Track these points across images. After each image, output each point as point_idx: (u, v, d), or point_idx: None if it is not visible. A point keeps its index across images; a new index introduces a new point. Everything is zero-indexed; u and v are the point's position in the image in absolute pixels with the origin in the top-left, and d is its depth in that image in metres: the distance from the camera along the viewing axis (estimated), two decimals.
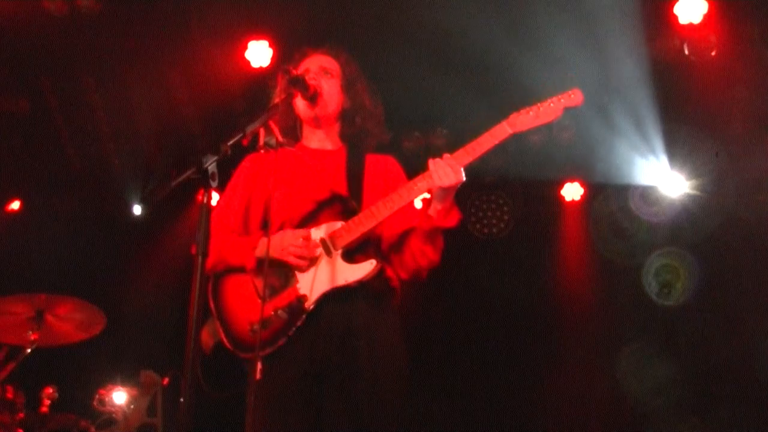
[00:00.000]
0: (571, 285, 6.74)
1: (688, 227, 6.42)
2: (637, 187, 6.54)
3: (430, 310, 6.75)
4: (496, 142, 2.78)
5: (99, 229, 7.39)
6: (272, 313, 2.76)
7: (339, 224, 2.84)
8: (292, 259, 2.78)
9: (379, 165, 3.11)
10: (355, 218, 2.82)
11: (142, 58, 6.30)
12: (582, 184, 6.92)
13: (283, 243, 2.79)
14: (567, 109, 2.76)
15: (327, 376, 2.76)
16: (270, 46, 6.07)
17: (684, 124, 6.13)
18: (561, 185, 6.97)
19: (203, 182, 2.30)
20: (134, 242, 7.36)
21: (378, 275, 2.80)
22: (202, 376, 2.19)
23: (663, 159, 6.34)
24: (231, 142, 2.45)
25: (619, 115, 6.09)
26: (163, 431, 5.07)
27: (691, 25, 5.45)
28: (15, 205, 7.26)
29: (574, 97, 2.76)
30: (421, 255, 2.86)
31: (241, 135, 2.55)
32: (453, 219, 2.81)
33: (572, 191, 6.95)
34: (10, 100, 6.71)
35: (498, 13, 5.48)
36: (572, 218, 7.03)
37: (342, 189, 2.96)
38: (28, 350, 4.53)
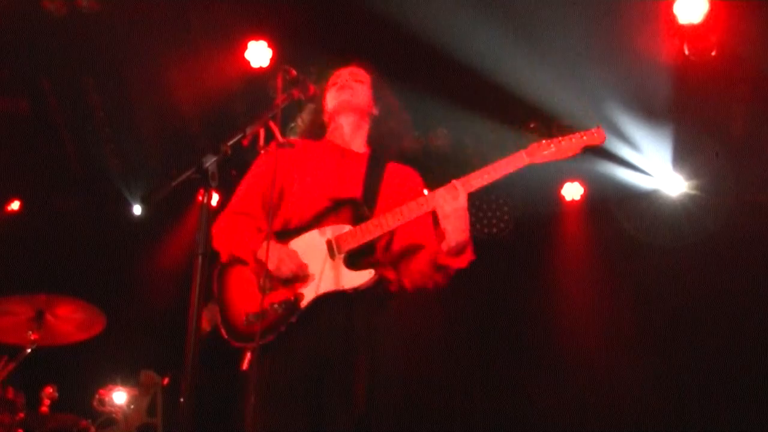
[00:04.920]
0: (570, 285, 6.74)
1: (688, 227, 6.42)
2: (637, 188, 6.54)
3: (430, 310, 6.75)
4: (512, 170, 2.79)
5: (99, 229, 7.40)
6: (268, 306, 2.78)
7: (347, 228, 2.85)
8: (278, 274, 2.79)
9: (398, 174, 3.14)
10: (363, 225, 2.83)
11: (142, 58, 6.31)
12: (582, 184, 6.92)
13: (279, 258, 2.79)
14: (586, 148, 2.76)
15: (327, 378, 2.78)
16: (269, 46, 6.08)
17: (684, 124, 6.13)
18: (561, 185, 6.97)
19: (203, 182, 2.30)
20: (134, 242, 7.36)
21: (375, 285, 2.82)
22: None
23: (663, 159, 6.34)
24: (231, 142, 2.46)
25: (619, 115, 6.10)
26: (163, 431, 5.07)
27: (691, 25, 5.44)
28: (15, 205, 7.26)
29: (597, 136, 2.75)
30: (429, 279, 2.92)
31: (241, 135, 2.55)
32: (463, 260, 2.84)
33: (572, 191, 6.95)
34: (10, 100, 6.72)
35: (497, 14, 5.49)
36: (572, 218, 7.02)
37: (357, 192, 2.99)
38: (28, 350, 4.53)
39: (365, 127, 3.23)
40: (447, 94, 6.13)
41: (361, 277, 2.79)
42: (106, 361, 5.83)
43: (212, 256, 2.27)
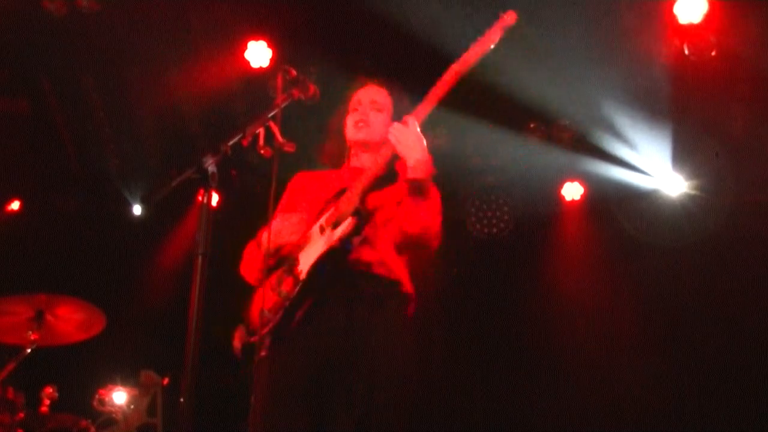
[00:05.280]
0: (570, 285, 6.74)
1: (688, 227, 6.42)
2: (637, 188, 6.54)
3: (429, 310, 6.76)
4: (450, 84, 2.94)
5: (99, 229, 7.40)
6: (277, 296, 2.94)
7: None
8: (280, 239, 3.00)
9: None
10: (343, 196, 2.98)
11: (142, 58, 6.31)
12: (582, 184, 6.92)
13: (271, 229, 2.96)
14: (505, 29, 2.93)
15: (327, 377, 2.82)
16: (269, 46, 6.07)
17: (684, 125, 6.13)
18: (561, 185, 6.97)
19: (203, 182, 2.31)
20: (134, 242, 7.36)
21: (355, 229, 2.89)
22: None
23: (663, 159, 6.34)
24: (231, 142, 2.47)
25: (619, 115, 6.10)
26: (163, 431, 5.07)
27: (691, 25, 5.44)
28: (15, 205, 7.26)
29: (507, 16, 2.93)
30: (410, 220, 2.93)
31: (241, 135, 2.56)
32: (425, 172, 2.89)
33: (572, 191, 6.95)
34: (10, 100, 6.72)
35: (497, 13, 5.48)
36: (572, 218, 7.02)
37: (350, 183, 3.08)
38: (28, 350, 4.53)
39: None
40: (448, 94, 6.11)
41: (341, 228, 2.89)
42: (106, 361, 5.83)
43: (212, 256, 2.28)
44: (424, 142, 2.89)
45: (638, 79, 5.82)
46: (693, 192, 6.45)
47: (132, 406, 4.90)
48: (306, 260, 2.96)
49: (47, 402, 4.54)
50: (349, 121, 3.29)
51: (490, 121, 6.29)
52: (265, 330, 2.88)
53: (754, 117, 6.04)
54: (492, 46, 2.92)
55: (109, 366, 5.49)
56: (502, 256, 6.91)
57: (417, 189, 2.90)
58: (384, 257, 2.99)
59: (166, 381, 5.16)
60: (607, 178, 6.52)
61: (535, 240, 6.99)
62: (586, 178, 6.85)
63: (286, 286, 2.94)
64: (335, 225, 2.94)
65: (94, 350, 5.41)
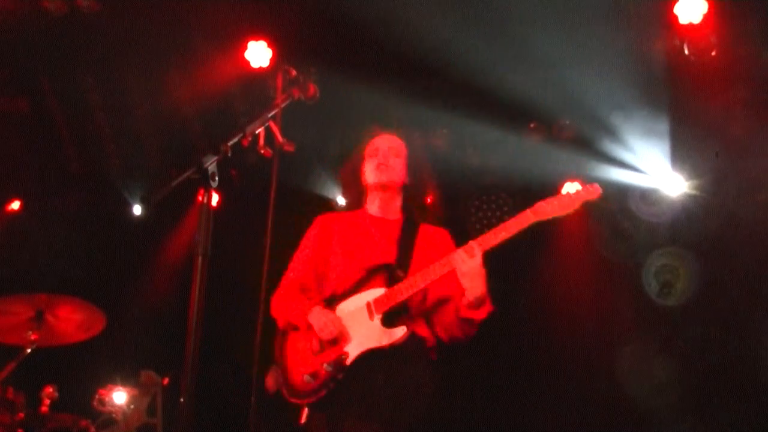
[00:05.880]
0: (570, 285, 6.73)
1: (688, 227, 6.42)
2: (637, 188, 6.53)
3: None
4: (521, 227, 3.07)
5: (99, 229, 7.40)
6: (320, 366, 3.06)
7: (383, 290, 3.11)
8: (322, 336, 3.09)
9: (431, 237, 3.39)
10: (396, 287, 3.09)
11: (142, 58, 6.31)
12: (582, 184, 6.89)
13: (324, 323, 3.09)
14: (586, 202, 3.20)
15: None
16: (269, 46, 6.08)
17: (684, 125, 6.12)
18: (561, 185, 6.95)
19: (203, 182, 2.31)
20: (134, 242, 7.36)
21: (408, 339, 3.08)
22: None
23: (663, 159, 6.34)
24: (231, 142, 2.47)
25: (619, 115, 6.10)
26: (163, 431, 5.08)
27: (691, 25, 5.44)
28: (15, 205, 7.26)
29: (593, 191, 3.21)
30: (458, 329, 3.22)
31: (241, 135, 2.57)
32: (483, 312, 3.13)
33: (572, 191, 6.92)
34: (10, 100, 6.72)
35: (497, 15, 5.49)
36: (572, 218, 7.00)
37: (391, 257, 3.23)
38: (28, 350, 4.53)
39: (399, 198, 3.45)
40: (448, 94, 6.13)
41: (394, 334, 3.05)
42: (106, 361, 5.83)
43: (212, 256, 2.28)
44: (485, 277, 3.03)
45: (638, 78, 5.83)
46: (693, 192, 6.44)
47: (132, 406, 4.90)
48: (353, 345, 3.06)
49: (47, 402, 4.53)
50: (368, 166, 3.40)
51: (490, 121, 6.29)
52: (310, 400, 3.04)
53: (754, 117, 6.04)
54: (570, 212, 3.17)
55: (109, 366, 5.49)
56: (502, 256, 6.89)
57: (466, 322, 3.16)
58: (413, 315, 3.18)
59: (166, 381, 5.16)
60: (607, 178, 6.52)
61: (535, 240, 6.98)
62: (586, 178, 6.83)
63: (328, 358, 3.04)
64: (386, 318, 3.06)
65: (94, 350, 5.41)
